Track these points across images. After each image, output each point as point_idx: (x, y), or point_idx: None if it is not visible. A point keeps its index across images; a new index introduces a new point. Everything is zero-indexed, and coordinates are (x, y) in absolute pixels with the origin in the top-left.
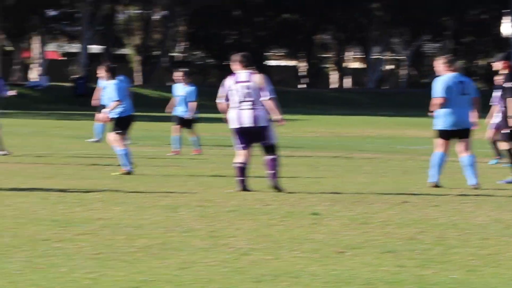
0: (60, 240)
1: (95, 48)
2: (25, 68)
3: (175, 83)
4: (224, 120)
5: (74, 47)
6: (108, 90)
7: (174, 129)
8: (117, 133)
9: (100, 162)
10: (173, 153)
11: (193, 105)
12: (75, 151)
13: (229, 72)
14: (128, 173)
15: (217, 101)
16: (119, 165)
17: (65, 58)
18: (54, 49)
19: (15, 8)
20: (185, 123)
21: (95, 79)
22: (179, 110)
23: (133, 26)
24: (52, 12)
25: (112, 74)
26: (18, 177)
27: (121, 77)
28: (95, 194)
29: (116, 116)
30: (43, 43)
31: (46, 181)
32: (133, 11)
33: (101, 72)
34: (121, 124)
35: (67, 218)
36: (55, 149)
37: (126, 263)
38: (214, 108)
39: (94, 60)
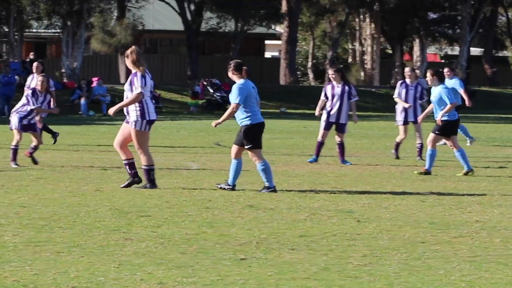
0: (437, 243)
1: (474, 51)
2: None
3: None
4: None
5: (454, 50)
6: (435, 94)
7: None
8: (437, 134)
9: (478, 165)
10: None
11: None
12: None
13: None
14: (427, 172)
15: None
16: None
17: (444, 61)
18: (434, 52)
19: (396, 11)
20: None
21: (472, 82)
22: None
23: None
24: (432, 15)
25: (439, 78)
26: (396, 180)
27: (457, 80)
28: (473, 196)
29: (446, 118)
30: (423, 46)
31: (423, 183)
32: None
33: (428, 75)
34: (446, 127)
35: (444, 220)
36: None
37: (503, 266)
38: None
39: (474, 62)
